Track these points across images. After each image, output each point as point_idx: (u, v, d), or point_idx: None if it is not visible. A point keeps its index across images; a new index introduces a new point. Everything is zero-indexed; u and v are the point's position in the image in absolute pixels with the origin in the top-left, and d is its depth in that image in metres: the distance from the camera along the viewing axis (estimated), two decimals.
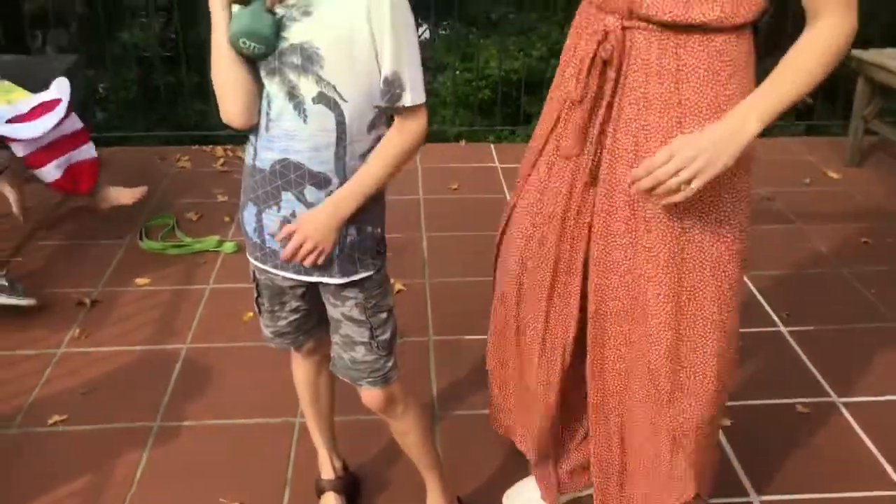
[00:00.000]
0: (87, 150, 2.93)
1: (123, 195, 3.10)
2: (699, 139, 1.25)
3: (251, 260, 1.56)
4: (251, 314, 2.61)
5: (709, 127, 1.27)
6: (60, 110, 2.79)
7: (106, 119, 7.96)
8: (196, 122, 7.46)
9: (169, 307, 2.70)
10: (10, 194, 3.08)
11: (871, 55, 3.59)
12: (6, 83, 3.05)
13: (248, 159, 1.48)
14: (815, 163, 3.90)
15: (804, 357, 2.47)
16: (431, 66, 7.82)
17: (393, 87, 1.35)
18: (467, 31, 9.09)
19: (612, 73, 1.37)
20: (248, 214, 1.50)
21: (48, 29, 9.53)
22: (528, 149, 1.60)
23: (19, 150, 2.76)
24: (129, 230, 3.19)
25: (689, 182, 1.24)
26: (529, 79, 8.64)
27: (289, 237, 1.42)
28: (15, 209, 3.09)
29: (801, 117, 9.36)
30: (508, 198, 3.50)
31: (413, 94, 1.37)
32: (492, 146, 4.16)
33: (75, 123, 2.90)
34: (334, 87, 1.35)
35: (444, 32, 9.06)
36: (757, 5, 1.30)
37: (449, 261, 3.01)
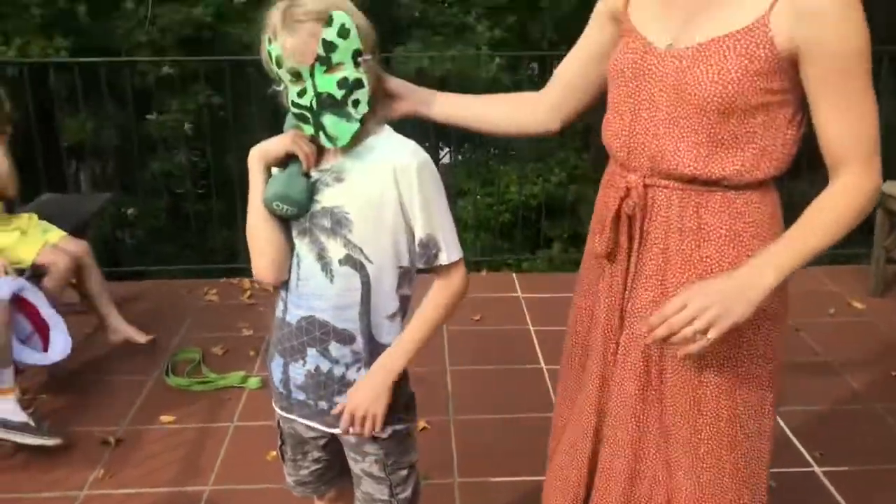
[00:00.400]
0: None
1: (138, 335, 3.19)
2: (713, 288, 1.24)
3: (276, 409, 1.57)
4: (274, 453, 2.59)
5: (725, 275, 1.27)
6: (41, 361, 2.76)
7: (134, 245, 8.17)
8: (223, 251, 7.64)
9: (193, 446, 2.69)
10: None
11: (888, 187, 3.64)
12: (44, 223, 3.16)
13: (277, 312, 1.52)
14: (838, 292, 3.89)
15: (840, 499, 2.40)
16: (453, 191, 8.00)
17: (429, 248, 1.40)
18: (487, 157, 9.35)
19: (635, 229, 1.40)
20: (276, 365, 1.53)
21: (84, 160, 9.92)
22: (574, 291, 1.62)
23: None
24: (156, 365, 3.22)
25: (705, 332, 1.22)
26: (549, 203, 8.81)
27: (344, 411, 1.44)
28: None
29: None
30: (532, 329, 3.52)
31: (449, 252, 1.42)
32: (514, 275, 4.21)
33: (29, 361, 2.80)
34: (361, 250, 1.40)
35: (462, 158, 9.29)
36: (779, 160, 1.32)
37: (474, 396, 2.99)
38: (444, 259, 1.41)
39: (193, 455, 2.64)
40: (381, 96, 1.43)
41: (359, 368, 1.46)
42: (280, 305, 1.52)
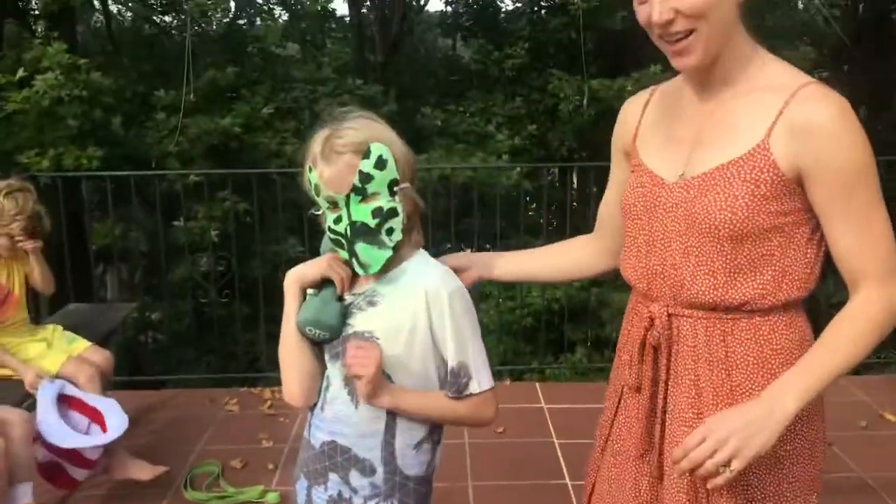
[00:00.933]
0: (79, 472, 2.85)
1: (143, 471, 3.04)
2: (732, 419, 1.22)
3: None
4: None
5: (743, 405, 1.25)
6: (105, 440, 2.79)
7: (157, 350, 8.20)
8: (245, 355, 7.64)
9: None
10: None
11: None
12: (69, 334, 3.18)
13: (305, 432, 1.52)
14: (870, 403, 3.80)
15: None
16: (475, 295, 8.03)
17: (459, 377, 1.39)
18: None
19: (662, 360, 1.38)
20: (300, 486, 1.52)
21: (111, 263, 10.09)
22: (598, 425, 1.58)
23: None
24: (175, 477, 3.17)
25: (728, 464, 1.19)
26: (571, 307, 8.78)
27: None
28: None
29: None
30: (556, 442, 3.45)
31: (480, 381, 1.41)
32: (537, 385, 4.15)
33: (96, 452, 2.86)
34: (389, 377, 1.38)
35: None
36: (802, 280, 1.31)
37: None
38: (475, 388, 1.40)
39: None
40: (416, 221, 1.45)
41: (377, 503, 1.43)
42: (307, 426, 1.51)
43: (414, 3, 13.67)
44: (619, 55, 10.12)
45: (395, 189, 1.37)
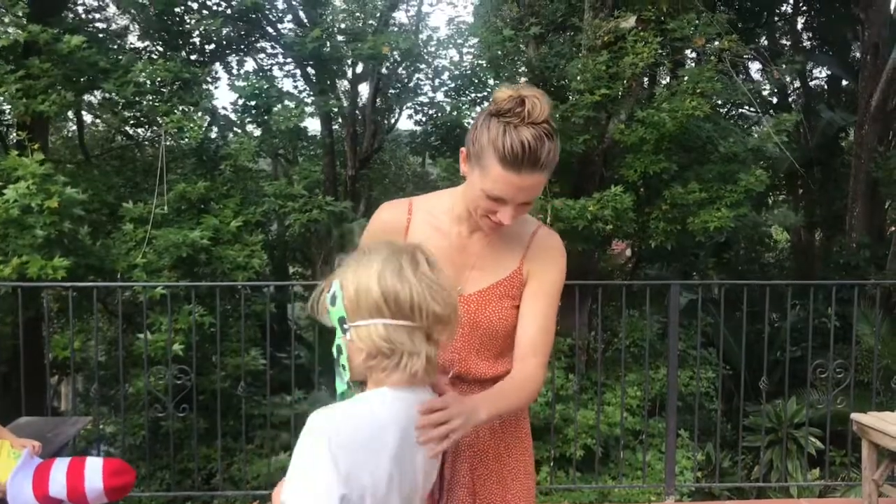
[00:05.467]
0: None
1: None
2: (460, 406, 1.55)
3: None
4: None
5: (465, 399, 1.62)
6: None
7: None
8: (200, 471, 7.42)
9: None
10: None
11: (870, 420, 3.66)
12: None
13: None
14: None
15: None
16: None
17: None
18: None
19: None
20: None
21: (66, 374, 9.86)
22: None
23: None
24: None
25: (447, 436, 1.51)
26: (535, 424, 8.68)
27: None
28: None
29: (814, 463, 9.24)
30: None
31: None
32: None
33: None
34: None
35: None
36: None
37: None
38: None
39: None
40: (385, 361, 1.46)
41: None
42: None
43: (384, 122, 14.08)
44: (580, 176, 10.45)
45: (344, 327, 1.44)
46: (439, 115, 11.83)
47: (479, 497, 1.85)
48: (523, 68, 9.83)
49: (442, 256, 1.72)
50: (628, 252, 13.35)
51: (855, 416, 3.73)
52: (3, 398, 3.33)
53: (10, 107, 7.92)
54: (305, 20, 10.87)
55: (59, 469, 2.80)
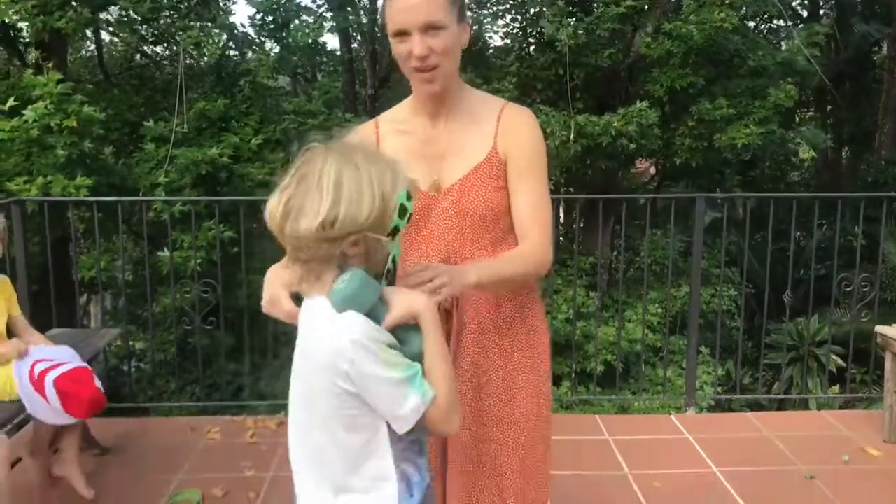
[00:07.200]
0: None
1: (80, 484, 3.11)
2: (445, 267, 1.61)
3: None
4: None
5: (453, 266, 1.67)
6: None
7: (140, 379, 8.13)
8: (228, 386, 7.58)
9: None
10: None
11: (894, 332, 3.64)
12: None
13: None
14: (852, 438, 3.81)
15: None
16: None
17: None
18: None
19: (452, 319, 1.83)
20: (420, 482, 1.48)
21: (96, 293, 10.02)
22: None
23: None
24: None
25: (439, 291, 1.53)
26: (556, 341, 8.76)
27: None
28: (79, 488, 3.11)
29: (835, 381, 9.29)
30: None
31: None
32: None
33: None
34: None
35: None
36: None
37: None
38: None
39: None
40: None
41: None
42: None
43: None
44: (605, 91, 10.23)
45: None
46: None
47: (483, 391, 1.86)
48: None
49: (413, 153, 1.80)
50: (652, 170, 13.19)
51: (879, 328, 3.72)
52: (35, 316, 3.39)
53: (27, 24, 7.83)
54: None
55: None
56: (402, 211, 1.38)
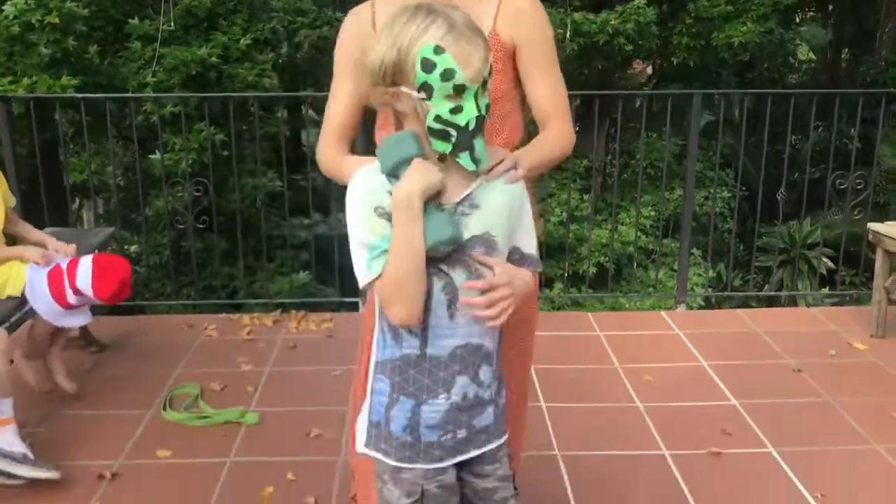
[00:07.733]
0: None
1: (64, 380, 3.17)
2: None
3: (403, 466, 1.47)
4: (270, 489, 2.57)
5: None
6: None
7: (135, 282, 8.17)
8: (224, 288, 7.63)
9: (189, 481, 2.67)
10: (29, 372, 3.15)
11: (887, 228, 3.66)
12: None
13: (403, 351, 1.45)
14: (840, 333, 3.88)
15: None
16: None
17: (533, 264, 1.53)
18: None
19: None
20: (400, 411, 1.45)
21: (87, 197, 9.95)
22: None
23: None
24: (153, 399, 3.21)
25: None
26: (549, 243, 8.82)
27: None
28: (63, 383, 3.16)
29: (825, 284, 9.41)
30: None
31: (538, 263, 1.58)
32: None
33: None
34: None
35: None
36: (521, 131, 1.86)
37: None
38: (540, 267, 1.59)
39: (189, 490, 2.62)
40: None
41: (498, 387, 1.53)
42: (409, 343, 1.44)
43: None
44: None
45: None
46: None
47: None
48: None
49: None
50: (649, 70, 12.99)
51: (871, 224, 3.73)
52: (25, 218, 3.38)
53: None
54: None
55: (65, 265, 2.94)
56: (430, 66, 1.31)
